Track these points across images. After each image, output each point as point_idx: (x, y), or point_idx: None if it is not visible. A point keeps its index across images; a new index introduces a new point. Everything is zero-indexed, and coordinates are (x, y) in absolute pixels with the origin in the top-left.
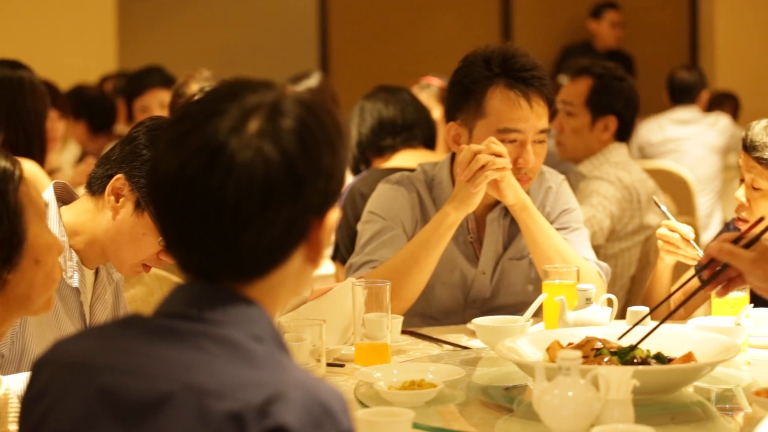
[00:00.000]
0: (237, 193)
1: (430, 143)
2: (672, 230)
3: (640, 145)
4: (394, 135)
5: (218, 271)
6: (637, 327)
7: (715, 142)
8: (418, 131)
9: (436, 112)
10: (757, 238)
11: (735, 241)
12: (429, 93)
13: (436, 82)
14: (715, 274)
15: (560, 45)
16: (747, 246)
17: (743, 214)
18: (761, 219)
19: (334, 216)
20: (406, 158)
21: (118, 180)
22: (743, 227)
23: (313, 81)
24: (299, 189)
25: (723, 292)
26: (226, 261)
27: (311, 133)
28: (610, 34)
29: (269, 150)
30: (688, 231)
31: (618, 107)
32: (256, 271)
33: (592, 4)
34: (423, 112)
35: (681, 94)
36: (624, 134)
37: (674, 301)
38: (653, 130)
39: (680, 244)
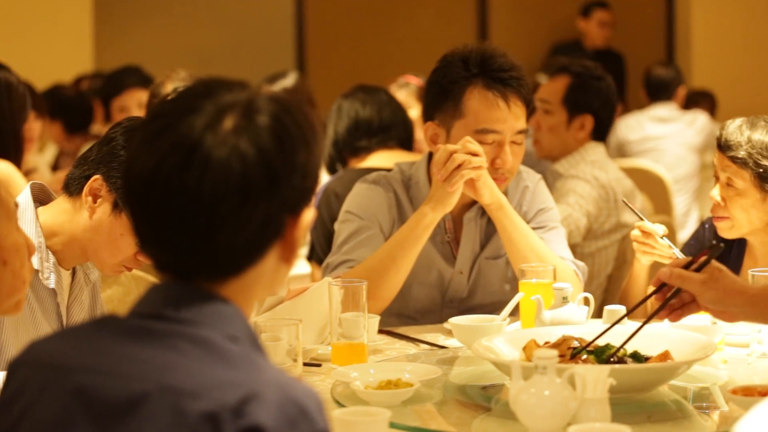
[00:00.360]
0: (213, 191)
1: (406, 144)
2: (645, 232)
3: (618, 143)
4: (369, 136)
5: (194, 270)
6: (614, 327)
7: (694, 141)
8: (394, 133)
9: (415, 111)
10: (707, 261)
11: (687, 266)
12: (408, 91)
13: (415, 81)
14: (668, 299)
15: (550, 43)
16: (698, 270)
17: (719, 213)
18: (713, 245)
19: (309, 215)
20: (382, 158)
21: (96, 180)
22: (718, 225)
23: (289, 81)
24: (275, 186)
25: (675, 318)
26: (202, 259)
27: (286, 130)
28: (599, 33)
29: (245, 147)
30: (659, 230)
31: (595, 106)
32: (232, 269)
33: (582, 2)
34: (400, 113)
35: (658, 90)
36: (601, 133)
37: (651, 304)
38: (632, 127)
39: (655, 243)
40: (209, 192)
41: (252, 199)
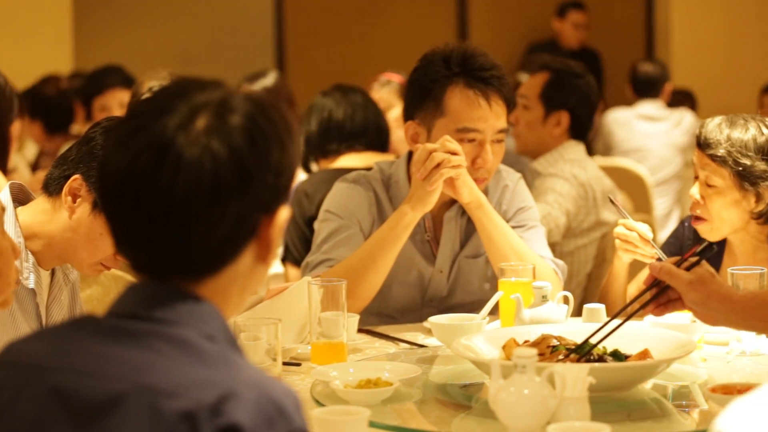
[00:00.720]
0: (185, 190)
1: (378, 147)
2: (630, 229)
3: (605, 142)
4: (339, 139)
5: (169, 269)
6: (596, 326)
7: (680, 141)
8: (365, 138)
9: (397, 109)
10: (699, 261)
11: (680, 263)
12: (390, 89)
13: (397, 78)
14: (655, 296)
15: (525, 43)
16: (689, 269)
17: (698, 212)
18: (707, 246)
19: (284, 213)
20: (351, 160)
21: (75, 180)
22: (698, 227)
23: (269, 80)
24: (247, 184)
25: (660, 312)
26: (176, 258)
27: (259, 128)
28: (573, 34)
29: (216, 146)
30: (646, 230)
31: (571, 103)
32: (207, 268)
33: (558, 2)
34: (374, 116)
35: (645, 87)
36: (579, 131)
37: (631, 299)
38: (620, 124)
39: (638, 243)
40: (181, 191)
41: (224, 197)
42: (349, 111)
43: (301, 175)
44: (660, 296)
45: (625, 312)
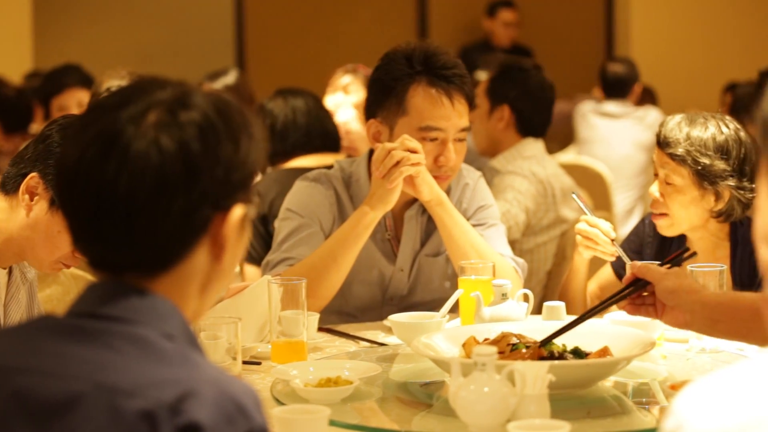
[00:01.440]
0: (130, 182)
1: (326, 150)
2: (592, 226)
3: (575, 140)
4: (283, 146)
5: (122, 264)
6: (558, 325)
7: (643, 138)
8: (308, 145)
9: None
10: (678, 263)
11: (661, 265)
12: (356, 76)
13: (364, 70)
14: (634, 290)
15: (460, 44)
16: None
17: (658, 210)
18: (687, 251)
19: (238, 211)
20: (304, 160)
21: (32, 178)
22: (657, 222)
23: (230, 78)
24: (194, 178)
25: (631, 310)
26: (126, 253)
27: (211, 124)
28: (503, 33)
29: (165, 141)
30: (608, 228)
31: (510, 97)
32: (158, 263)
33: (489, 2)
34: (318, 122)
35: (613, 87)
36: (526, 127)
37: (591, 297)
38: (579, 121)
39: (599, 239)
40: (126, 183)
41: (170, 191)
42: (290, 117)
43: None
44: (635, 296)
45: (602, 306)
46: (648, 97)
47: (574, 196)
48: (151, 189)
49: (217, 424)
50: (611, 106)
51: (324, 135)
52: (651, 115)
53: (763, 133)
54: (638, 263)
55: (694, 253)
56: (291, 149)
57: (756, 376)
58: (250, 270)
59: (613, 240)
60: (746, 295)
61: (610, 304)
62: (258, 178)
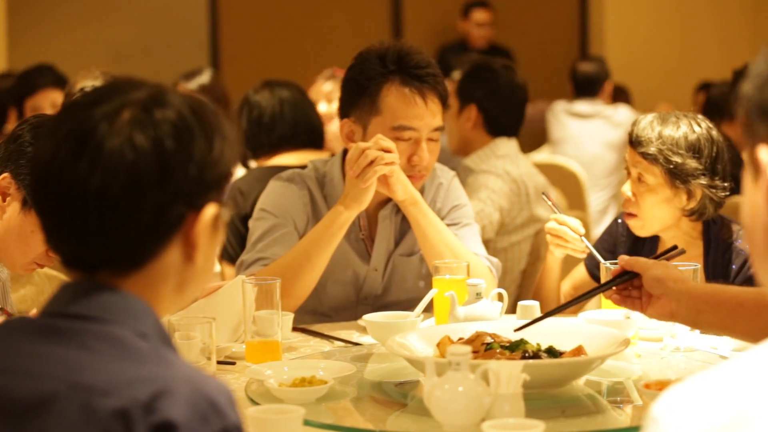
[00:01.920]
0: (103, 179)
1: (312, 145)
2: (561, 224)
3: (548, 139)
4: (269, 139)
5: (93, 261)
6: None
7: (613, 137)
8: (295, 138)
9: None
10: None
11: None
12: (336, 81)
13: (341, 74)
14: (621, 281)
15: (436, 45)
16: None
17: (630, 209)
18: (676, 248)
19: (211, 210)
20: (287, 158)
21: (4, 179)
22: (630, 223)
23: (205, 78)
24: (167, 176)
25: (618, 299)
26: (98, 249)
27: (185, 123)
28: (477, 33)
29: (139, 139)
30: (577, 225)
31: (477, 96)
32: (130, 261)
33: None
34: (304, 115)
35: (583, 86)
36: (496, 127)
37: (565, 296)
38: (551, 121)
39: (569, 237)
40: (99, 180)
41: (142, 187)
42: (277, 109)
43: (239, 171)
44: (622, 287)
45: (590, 294)
46: (621, 96)
47: (543, 195)
48: (124, 186)
49: (191, 423)
50: (582, 106)
51: (311, 130)
52: (620, 113)
53: (759, 117)
54: (626, 257)
55: (683, 251)
56: (277, 142)
57: (732, 378)
58: (230, 270)
59: (582, 236)
60: (731, 288)
61: (598, 293)
62: (240, 174)
